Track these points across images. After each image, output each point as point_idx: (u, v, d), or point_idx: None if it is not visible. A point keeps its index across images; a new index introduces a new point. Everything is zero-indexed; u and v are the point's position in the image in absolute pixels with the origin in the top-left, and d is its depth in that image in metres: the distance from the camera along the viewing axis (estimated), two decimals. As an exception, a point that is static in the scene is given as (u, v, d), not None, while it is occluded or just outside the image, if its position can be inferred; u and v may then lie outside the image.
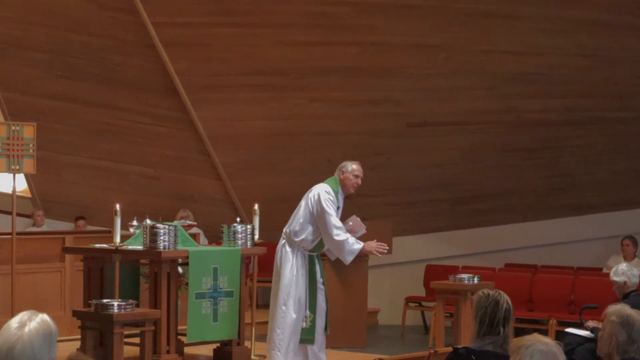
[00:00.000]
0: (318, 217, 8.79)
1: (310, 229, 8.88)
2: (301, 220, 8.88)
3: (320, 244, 8.99)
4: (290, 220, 9.01)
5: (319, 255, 9.11)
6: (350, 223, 9.08)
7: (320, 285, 8.98)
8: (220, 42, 12.66)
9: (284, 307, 8.84)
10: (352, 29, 12.55)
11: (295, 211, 9.01)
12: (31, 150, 10.54)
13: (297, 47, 12.65)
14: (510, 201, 14.55)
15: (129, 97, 13.42)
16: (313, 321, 8.89)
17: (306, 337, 8.91)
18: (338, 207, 8.92)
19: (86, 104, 13.60)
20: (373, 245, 8.95)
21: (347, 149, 13.53)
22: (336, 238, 8.71)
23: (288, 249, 8.94)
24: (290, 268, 8.89)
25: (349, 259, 8.85)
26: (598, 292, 11.58)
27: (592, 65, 13.38)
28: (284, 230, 9.04)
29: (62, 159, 14.03)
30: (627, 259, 12.91)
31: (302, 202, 8.98)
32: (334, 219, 8.75)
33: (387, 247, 9.21)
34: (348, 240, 8.76)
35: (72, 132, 13.86)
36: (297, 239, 8.88)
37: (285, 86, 12.96)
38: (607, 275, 9.97)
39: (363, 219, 12.33)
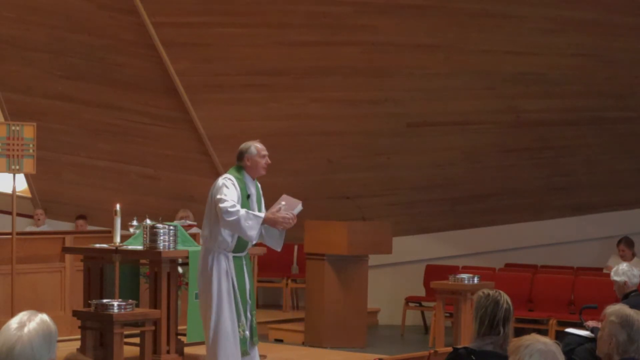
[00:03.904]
0: (215, 206, 7.97)
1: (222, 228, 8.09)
2: (212, 221, 8.09)
3: (242, 242, 8.20)
4: (204, 223, 8.18)
5: (247, 256, 8.33)
6: (283, 203, 8.22)
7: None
8: (220, 42, 12.66)
9: (214, 325, 8.07)
10: (352, 29, 12.55)
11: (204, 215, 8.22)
12: (31, 150, 10.54)
13: (297, 47, 12.65)
14: (510, 201, 14.55)
15: (129, 97, 13.43)
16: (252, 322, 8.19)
17: (244, 347, 8.15)
18: (248, 195, 8.13)
19: (86, 104, 13.61)
20: (279, 216, 8.03)
21: (347, 149, 13.56)
22: (228, 219, 7.85)
23: (205, 256, 8.13)
24: (214, 276, 8.10)
25: (251, 234, 7.91)
26: (598, 292, 11.58)
27: (592, 65, 13.39)
28: (201, 234, 8.27)
29: (62, 159, 14.03)
30: (626, 261, 12.89)
31: (208, 203, 8.15)
32: (225, 203, 7.85)
33: (294, 218, 8.11)
34: (241, 216, 7.85)
35: (72, 132, 13.87)
36: (218, 245, 8.10)
37: (285, 86, 12.97)
38: (607, 275, 9.97)
39: (363, 219, 12.39)
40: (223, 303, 8.04)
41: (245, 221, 7.86)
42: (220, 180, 8.09)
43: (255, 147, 8.31)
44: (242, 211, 7.89)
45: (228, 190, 7.98)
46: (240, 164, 8.29)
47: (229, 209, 7.84)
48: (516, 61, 13.14)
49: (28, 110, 13.46)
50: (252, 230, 7.91)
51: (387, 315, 14.07)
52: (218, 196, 7.93)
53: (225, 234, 8.09)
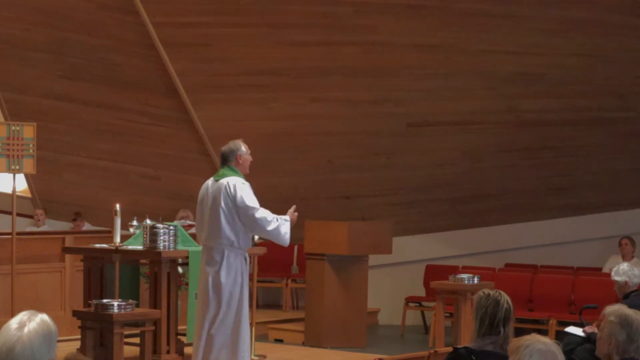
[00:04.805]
0: (244, 214, 8.18)
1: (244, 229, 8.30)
2: (238, 223, 8.21)
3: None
4: (218, 231, 8.23)
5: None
6: None
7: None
8: (220, 42, 12.66)
9: (244, 322, 8.31)
10: (352, 29, 12.55)
11: (217, 220, 8.22)
12: (31, 150, 10.54)
13: (297, 47, 12.65)
14: (510, 201, 14.55)
15: (129, 97, 13.43)
16: None
17: None
18: None
19: (86, 104, 13.61)
20: (295, 215, 8.38)
21: (347, 149, 13.55)
22: (268, 228, 8.16)
23: (234, 259, 8.29)
24: (244, 278, 8.33)
25: (287, 239, 8.28)
26: (598, 292, 11.58)
27: (592, 65, 13.39)
28: (218, 241, 8.27)
29: (62, 159, 14.04)
30: (625, 258, 12.92)
31: (222, 208, 8.21)
32: (261, 212, 8.15)
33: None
34: (279, 224, 8.18)
35: (72, 132, 13.87)
36: (243, 244, 8.32)
37: (285, 86, 12.97)
38: (607, 275, 9.98)
39: (363, 219, 12.39)
40: (245, 306, 8.32)
41: (282, 228, 8.18)
42: (239, 185, 8.19)
43: (244, 145, 8.43)
44: (279, 219, 8.19)
45: (254, 197, 8.20)
46: (231, 164, 8.37)
47: (268, 219, 8.15)
48: (516, 61, 13.13)
49: (28, 110, 13.46)
50: (287, 235, 8.25)
51: (387, 315, 14.07)
52: (251, 204, 8.13)
53: (249, 234, 8.34)
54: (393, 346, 12.10)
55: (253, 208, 8.12)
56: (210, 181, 8.47)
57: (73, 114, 13.73)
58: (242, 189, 8.18)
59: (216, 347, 8.22)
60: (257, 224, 8.15)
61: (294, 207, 8.45)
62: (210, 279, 8.28)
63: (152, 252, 9.19)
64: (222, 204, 8.19)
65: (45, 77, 13.53)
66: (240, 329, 8.24)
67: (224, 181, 8.27)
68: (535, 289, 12.73)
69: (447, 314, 11.77)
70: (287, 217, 8.29)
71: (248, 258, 8.47)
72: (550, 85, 13.52)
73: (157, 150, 13.82)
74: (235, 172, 8.33)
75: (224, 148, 8.45)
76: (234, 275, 8.25)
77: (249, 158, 8.44)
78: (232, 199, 8.16)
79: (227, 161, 8.38)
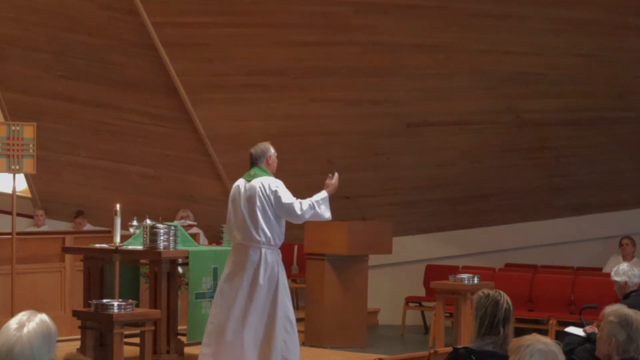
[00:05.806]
0: (284, 212, 8.49)
1: (281, 224, 8.60)
2: (273, 221, 8.50)
3: None
4: (255, 230, 8.48)
5: None
6: None
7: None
8: (220, 42, 12.66)
9: (280, 317, 8.52)
10: (352, 29, 12.55)
11: (255, 220, 8.48)
12: (31, 150, 10.55)
13: (297, 47, 12.65)
14: (510, 201, 14.55)
15: (129, 97, 13.43)
16: None
17: None
18: None
19: (86, 104, 13.61)
20: (332, 184, 8.71)
21: (347, 149, 13.56)
22: (308, 217, 8.57)
23: (271, 257, 8.54)
24: (279, 273, 8.57)
25: (329, 216, 8.69)
26: (598, 292, 11.59)
27: (592, 65, 13.38)
28: (256, 239, 8.50)
29: (62, 159, 14.04)
30: (625, 258, 12.92)
31: (258, 207, 8.47)
32: (298, 205, 8.49)
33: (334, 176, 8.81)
34: (318, 208, 8.56)
35: (72, 132, 13.87)
36: (279, 242, 8.61)
37: (285, 86, 12.97)
38: (607, 275, 9.97)
39: (363, 219, 12.39)
40: (283, 289, 8.55)
41: (320, 209, 8.56)
42: (273, 184, 8.48)
43: (272, 147, 8.73)
44: (316, 202, 8.54)
45: (289, 193, 8.53)
46: (261, 164, 8.63)
47: (304, 208, 8.46)
48: (516, 61, 13.13)
49: (28, 110, 13.46)
50: (328, 212, 8.65)
51: (387, 315, 14.07)
52: (288, 201, 8.45)
53: (283, 231, 8.60)
54: (393, 346, 12.10)
55: (291, 204, 8.45)
56: (241, 181, 8.68)
57: (73, 114, 13.73)
58: (277, 188, 8.49)
59: (248, 345, 8.39)
60: (298, 218, 8.54)
61: (336, 175, 8.72)
62: (248, 277, 8.47)
63: (152, 252, 9.19)
64: (258, 203, 8.47)
65: (45, 77, 13.53)
66: (275, 324, 8.40)
67: (257, 182, 8.53)
68: (535, 289, 12.73)
69: (447, 314, 11.76)
70: (323, 195, 8.60)
71: (280, 253, 8.69)
72: (550, 85, 13.52)
73: (157, 150, 13.82)
74: (265, 172, 8.59)
75: (253, 150, 8.70)
76: (271, 272, 8.50)
77: (276, 159, 8.74)
78: (268, 198, 8.47)
79: (257, 162, 8.64)
